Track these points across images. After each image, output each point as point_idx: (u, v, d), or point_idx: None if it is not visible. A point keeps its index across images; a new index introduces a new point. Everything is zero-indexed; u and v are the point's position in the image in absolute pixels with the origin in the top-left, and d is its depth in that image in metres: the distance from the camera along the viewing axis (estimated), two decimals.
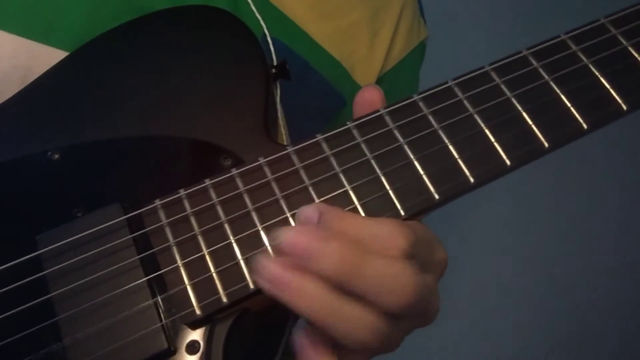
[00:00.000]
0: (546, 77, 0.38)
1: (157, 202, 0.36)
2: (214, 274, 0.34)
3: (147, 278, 0.34)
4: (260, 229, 0.35)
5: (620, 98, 0.37)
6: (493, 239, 1.41)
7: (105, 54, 0.42)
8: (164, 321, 0.34)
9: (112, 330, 0.33)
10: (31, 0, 0.44)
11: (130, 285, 0.34)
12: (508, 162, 0.36)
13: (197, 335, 0.34)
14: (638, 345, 1.36)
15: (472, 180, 0.35)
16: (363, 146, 0.36)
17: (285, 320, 0.37)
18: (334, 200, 0.35)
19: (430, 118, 0.37)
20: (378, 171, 0.36)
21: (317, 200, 0.35)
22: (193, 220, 0.35)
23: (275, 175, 0.36)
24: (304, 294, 0.29)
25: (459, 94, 0.37)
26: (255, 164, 0.36)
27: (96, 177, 0.39)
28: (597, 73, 0.38)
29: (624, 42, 0.39)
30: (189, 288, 0.34)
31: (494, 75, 0.38)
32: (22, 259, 0.34)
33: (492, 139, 0.36)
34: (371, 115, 0.37)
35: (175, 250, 0.35)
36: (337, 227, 0.30)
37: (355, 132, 0.37)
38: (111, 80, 0.41)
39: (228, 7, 0.44)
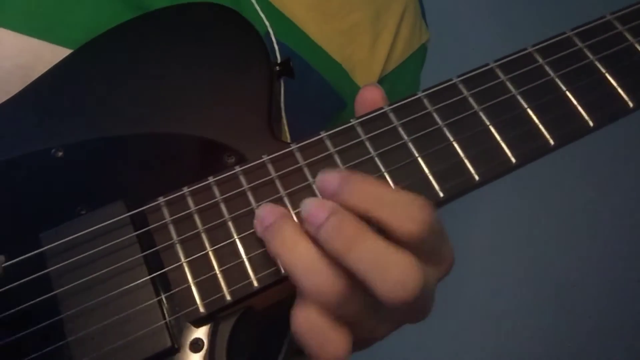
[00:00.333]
0: (551, 74, 0.37)
1: (161, 200, 0.36)
2: (218, 272, 0.34)
3: (150, 276, 0.34)
4: None
5: (627, 95, 0.37)
6: (493, 238, 1.41)
7: (108, 51, 0.42)
8: (167, 319, 0.34)
9: (115, 328, 0.33)
10: None
11: (134, 283, 0.34)
12: (513, 160, 0.35)
13: (200, 333, 0.34)
14: (638, 345, 1.35)
15: (476, 178, 0.35)
16: (367, 144, 0.36)
17: (289, 319, 0.37)
18: None
19: (435, 115, 0.37)
20: (382, 169, 0.35)
21: (319, 197, 0.35)
22: (197, 217, 0.35)
23: (279, 173, 0.36)
24: (291, 247, 0.30)
25: (464, 91, 0.37)
26: (258, 162, 0.36)
27: (100, 175, 0.39)
28: (603, 70, 0.37)
29: (630, 39, 0.38)
30: (192, 286, 0.34)
31: (499, 72, 0.38)
32: (25, 256, 0.34)
33: (497, 137, 0.36)
34: (375, 113, 0.37)
35: (179, 247, 0.35)
36: (359, 187, 0.31)
37: (359, 129, 0.37)
38: (115, 78, 0.41)
39: (230, 6, 0.44)
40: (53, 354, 0.34)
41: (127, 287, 0.34)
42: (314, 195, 0.35)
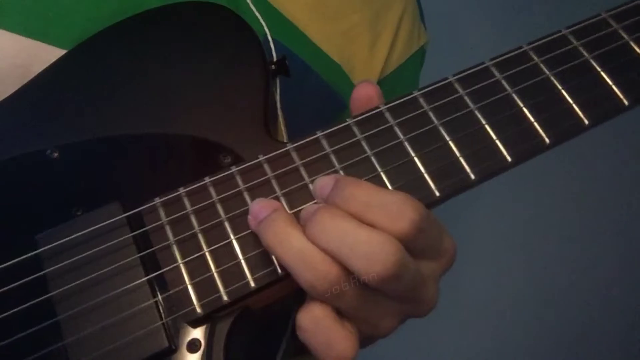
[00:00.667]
0: (547, 72, 0.38)
1: (157, 201, 0.36)
2: (215, 273, 0.34)
3: (147, 277, 0.34)
4: None
5: (622, 93, 0.37)
6: (493, 238, 1.41)
7: (103, 51, 0.42)
8: (164, 320, 0.34)
9: (112, 329, 0.33)
10: None
11: (131, 284, 0.34)
12: (509, 159, 0.36)
13: (197, 333, 0.34)
14: (637, 344, 1.36)
15: (472, 176, 0.35)
16: (363, 143, 0.36)
17: (287, 319, 0.37)
18: None
19: (431, 114, 0.37)
20: (378, 168, 0.35)
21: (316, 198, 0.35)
22: (193, 218, 0.35)
23: (275, 173, 0.36)
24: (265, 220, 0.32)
25: (460, 89, 0.37)
26: (255, 162, 0.36)
27: (96, 176, 0.38)
28: (598, 68, 0.38)
29: (626, 37, 0.38)
30: (189, 286, 0.34)
31: (494, 70, 0.38)
32: (21, 258, 0.34)
33: (493, 135, 0.36)
34: (371, 112, 0.37)
35: (175, 248, 0.35)
36: (349, 191, 0.31)
37: (355, 129, 0.37)
38: (110, 78, 0.41)
39: (229, 7, 0.44)
40: (50, 355, 0.33)
41: (123, 288, 0.34)
42: (310, 195, 0.35)
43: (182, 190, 0.36)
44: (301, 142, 0.37)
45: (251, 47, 0.41)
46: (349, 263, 0.30)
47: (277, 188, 0.35)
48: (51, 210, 0.37)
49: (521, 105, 0.37)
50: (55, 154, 0.39)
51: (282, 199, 0.35)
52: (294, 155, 0.36)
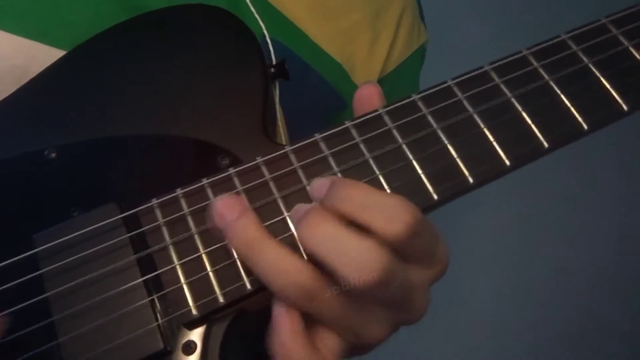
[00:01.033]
0: (546, 77, 0.37)
1: (154, 202, 0.36)
2: (211, 274, 0.34)
3: (143, 278, 0.34)
4: None
5: (621, 98, 0.37)
6: (493, 239, 1.41)
7: (102, 52, 0.42)
8: (159, 321, 0.34)
9: (107, 330, 0.33)
10: (32, 0, 0.44)
11: (127, 285, 0.34)
12: (507, 163, 0.35)
13: (193, 335, 0.34)
14: (637, 343, 1.36)
15: (471, 180, 0.35)
16: (362, 146, 0.36)
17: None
18: None
19: (430, 118, 0.37)
20: (376, 171, 0.35)
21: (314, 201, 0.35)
22: (190, 219, 0.35)
23: (273, 175, 0.36)
24: (234, 226, 0.31)
25: (459, 93, 0.37)
26: (252, 164, 0.36)
27: (93, 176, 0.38)
28: (597, 73, 0.37)
29: (625, 43, 0.38)
30: (185, 288, 0.34)
31: (493, 75, 0.38)
32: (18, 258, 0.34)
33: (492, 139, 0.36)
34: (370, 115, 0.37)
35: (171, 249, 0.35)
36: (345, 192, 0.31)
37: (353, 131, 0.37)
38: (108, 79, 0.41)
39: (227, 7, 0.44)
40: (45, 355, 0.33)
41: (119, 288, 0.34)
42: (308, 197, 0.35)
43: (179, 192, 0.36)
44: (299, 144, 0.36)
45: (250, 50, 0.42)
46: (335, 268, 0.29)
47: (274, 190, 0.35)
48: (48, 211, 0.37)
49: (520, 109, 0.37)
50: (53, 155, 0.39)
51: (280, 201, 0.35)
52: (292, 157, 0.36)
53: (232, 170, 0.36)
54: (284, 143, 0.46)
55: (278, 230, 0.34)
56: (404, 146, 0.36)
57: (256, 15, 0.48)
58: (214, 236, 0.34)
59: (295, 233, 0.32)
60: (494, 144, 0.36)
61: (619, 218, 1.41)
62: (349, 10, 0.55)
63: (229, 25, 0.42)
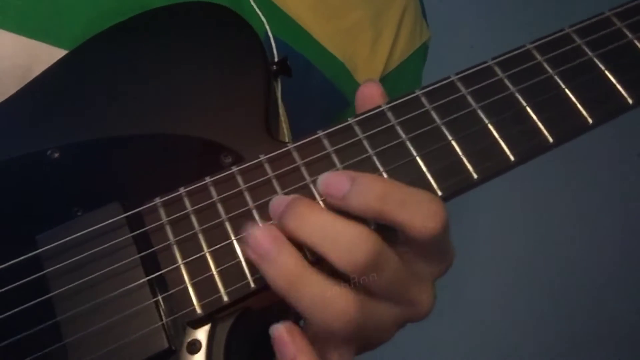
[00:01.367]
0: (550, 71, 0.37)
1: (157, 201, 0.35)
2: (215, 273, 0.34)
3: (147, 277, 0.34)
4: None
5: (626, 92, 0.36)
6: (494, 238, 1.41)
7: (105, 51, 0.42)
8: (164, 320, 0.34)
9: (112, 330, 0.33)
10: None
11: (131, 284, 0.34)
12: (512, 158, 0.35)
13: (198, 334, 0.34)
14: (637, 343, 1.35)
15: (475, 176, 0.35)
16: (365, 143, 0.36)
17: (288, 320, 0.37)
18: None
19: (433, 114, 0.36)
20: (380, 168, 0.35)
21: (318, 198, 0.35)
22: (193, 218, 0.35)
23: (276, 173, 0.36)
24: (275, 263, 0.31)
25: (462, 89, 0.37)
26: (255, 161, 0.36)
27: (96, 176, 0.38)
28: (602, 67, 0.37)
29: (630, 35, 0.38)
30: (189, 287, 0.34)
31: (497, 69, 0.37)
32: (21, 258, 0.34)
33: (496, 135, 0.36)
34: (373, 111, 0.37)
35: (175, 249, 0.34)
36: (368, 188, 0.31)
37: (356, 128, 0.36)
38: (111, 78, 0.41)
39: (229, 5, 0.44)
40: (50, 356, 0.33)
41: (124, 288, 0.34)
42: (313, 195, 0.35)
43: (182, 190, 0.35)
44: (302, 141, 0.36)
45: (252, 47, 0.41)
46: (329, 255, 0.30)
47: (278, 188, 0.35)
48: (51, 211, 0.37)
49: (524, 104, 0.36)
50: (56, 154, 0.38)
51: None
52: (295, 155, 0.36)
53: (235, 169, 0.36)
54: (286, 140, 0.46)
55: None
56: (407, 142, 0.36)
57: (259, 12, 0.48)
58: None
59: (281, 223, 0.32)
60: (498, 139, 0.35)
61: (621, 217, 1.41)
62: (351, 8, 0.55)
63: (231, 22, 0.42)
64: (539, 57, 0.38)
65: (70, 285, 0.34)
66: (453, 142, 0.36)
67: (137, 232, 0.35)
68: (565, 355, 1.34)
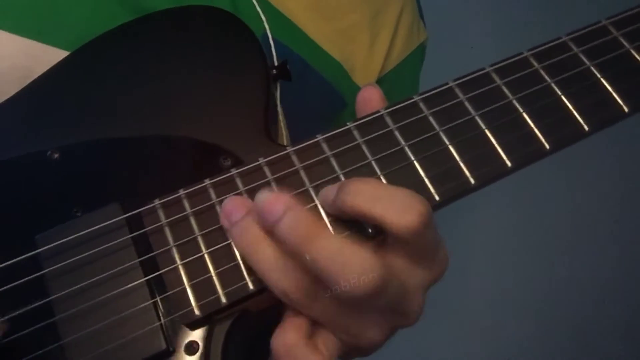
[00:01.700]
0: (547, 79, 0.38)
1: (157, 202, 0.36)
2: (213, 274, 0.34)
3: (146, 278, 0.34)
4: None
5: (622, 100, 0.37)
6: (493, 240, 1.41)
7: (105, 53, 0.42)
8: (162, 321, 0.34)
9: (110, 330, 0.33)
10: (31, 0, 0.44)
11: (130, 285, 0.34)
12: (509, 164, 0.36)
13: (196, 336, 0.34)
14: (637, 343, 1.36)
15: (472, 181, 0.35)
16: (364, 147, 0.36)
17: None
18: None
19: (431, 119, 0.37)
20: (378, 172, 0.36)
21: (317, 201, 0.35)
22: (193, 220, 0.35)
23: (275, 176, 0.36)
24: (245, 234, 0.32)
25: (460, 95, 0.37)
26: (255, 164, 0.36)
27: (96, 177, 0.39)
28: (598, 75, 0.38)
29: (626, 45, 0.39)
30: (187, 288, 0.34)
31: (495, 76, 0.38)
32: (20, 257, 0.34)
33: (493, 141, 0.36)
34: (372, 116, 0.37)
35: (174, 250, 0.35)
36: (355, 187, 0.31)
37: (355, 132, 0.37)
38: (111, 80, 0.41)
39: (228, 7, 0.44)
40: (48, 355, 0.33)
41: (122, 289, 0.34)
42: (310, 198, 0.35)
43: (182, 192, 0.36)
44: (301, 145, 0.37)
45: (252, 51, 0.42)
46: (326, 279, 0.29)
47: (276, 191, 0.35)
48: (51, 211, 0.37)
49: (521, 111, 0.37)
50: (56, 155, 0.39)
51: None
52: (294, 158, 0.36)
53: (234, 171, 0.36)
54: (285, 144, 0.46)
55: None
56: (406, 147, 0.36)
57: (260, 13, 0.48)
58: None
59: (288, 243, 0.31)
60: (496, 145, 0.36)
61: (620, 220, 1.42)
62: (349, 9, 0.55)
63: (231, 26, 0.42)
64: (536, 64, 0.38)
65: (69, 285, 0.34)
66: (451, 148, 0.36)
67: (137, 233, 0.35)
68: (565, 356, 1.34)
